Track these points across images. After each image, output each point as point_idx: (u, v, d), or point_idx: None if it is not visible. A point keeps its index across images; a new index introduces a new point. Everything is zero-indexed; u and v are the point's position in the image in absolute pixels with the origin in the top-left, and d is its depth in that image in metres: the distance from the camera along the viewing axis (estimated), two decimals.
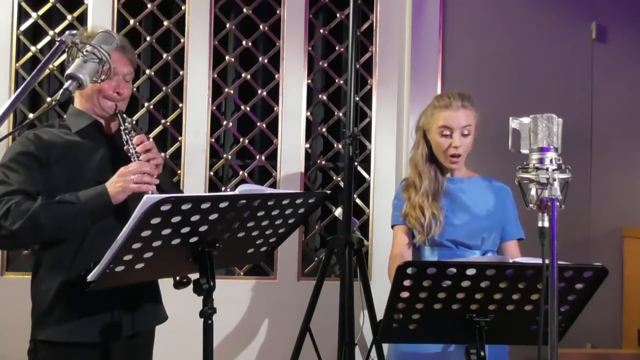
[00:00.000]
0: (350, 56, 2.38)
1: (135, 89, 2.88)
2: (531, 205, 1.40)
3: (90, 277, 1.48)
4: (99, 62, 1.44)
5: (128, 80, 1.90)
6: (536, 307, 1.57)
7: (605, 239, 2.99)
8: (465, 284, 1.51)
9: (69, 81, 1.39)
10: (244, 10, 3.05)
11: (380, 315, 1.68)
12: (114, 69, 1.80)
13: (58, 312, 1.77)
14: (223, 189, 3.02)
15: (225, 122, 3.04)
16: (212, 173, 3.00)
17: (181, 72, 3.00)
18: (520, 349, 1.81)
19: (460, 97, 2.07)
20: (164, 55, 3.00)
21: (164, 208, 1.37)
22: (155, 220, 1.39)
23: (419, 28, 2.97)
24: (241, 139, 3.04)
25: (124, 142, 1.80)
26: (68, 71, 1.39)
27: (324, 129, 3.08)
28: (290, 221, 1.71)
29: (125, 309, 1.83)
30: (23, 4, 2.94)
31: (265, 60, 3.05)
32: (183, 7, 3.01)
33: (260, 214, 1.58)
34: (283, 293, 2.96)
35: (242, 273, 3.01)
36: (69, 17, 2.96)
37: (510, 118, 1.53)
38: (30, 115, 2.92)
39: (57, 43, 1.38)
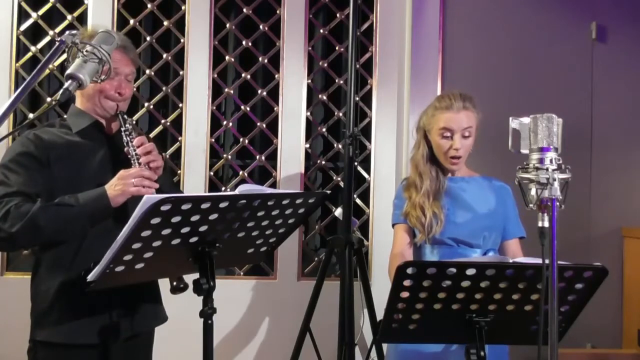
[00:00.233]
0: (350, 56, 2.38)
1: (135, 89, 2.87)
2: (531, 205, 1.40)
3: (90, 277, 1.48)
4: (99, 62, 1.43)
5: (130, 80, 1.89)
6: (536, 307, 1.57)
7: (605, 239, 2.99)
8: (465, 284, 1.51)
9: (69, 81, 1.38)
10: (244, 10, 3.05)
11: (380, 315, 1.68)
12: (115, 69, 1.79)
13: (57, 313, 1.77)
14: (223, 189, 3.02)
15: (225, 122, 3.04)
16: (212, 173, 3.00)
17: (181, 72, 3.00)
18: (520, 349, 1.81)
19: (461, 99, 2.06)
20: (164, 55, 3.00)
21: (164, 208, 1.37)
22: (155, 220, 1.39)
23: (419, 28, 2.97)
24: (241, 139, 3.04)
25: (125, 144, 1.79)
26: (68, 71, 1.39)
27: (324, 129, 3.08)
28: (290, 221, 1.71)
29: (125, 310, 1.83)
30: (23, 4, 2.94)
31: (265, 60, 3.05)
32: (183, 7, 3.01)
33: (260, 214, 1.58)
34: (283, 293, 2.96)
35: (242, 273, 3.01)
36: (69, 17, 2.96)
37: (510, 118, 1.53)
38: (30, 115, 2.92)
39: (57, 43, 1.38)
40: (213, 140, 3.01)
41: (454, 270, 1.49)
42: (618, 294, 2.97)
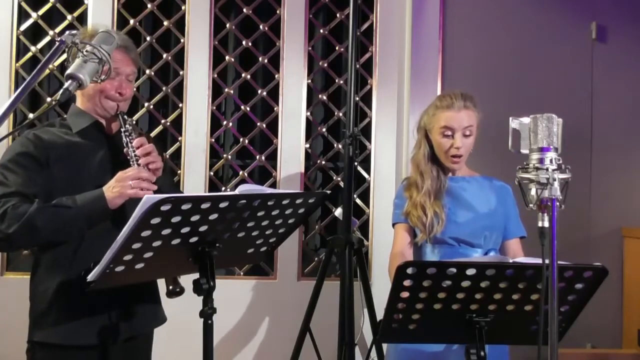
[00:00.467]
0: (350, 56, 2.38)
1: (135, 89, 2.87)
2: (531, 205, 1.40)
3: (90, 277, 1.48)
4: (99, 62, 1.43)
5: (131, 81, 1.88)
6: (536, 307, 1.57)
7: (605, 239, 2.99)
8: (465, 284, 1.51)
9: (69, 81, 1.38)
10: (244, 10, 3.05)
11: (380, 315, 1.68)
12: (116, 69, 1.79)
13: (55, 314, 1.77)
14: (223, 189, 3.02)
15: (225, 122, 3.04)
16: (212, 173, 3.00)
17: (181, 72, 3.00)
18: (520, 349, 1.81)
19: (462, 98, 2.07)
20: (164, 55, 3.00)
21: (164, 208, 1.37)
22: (155, 220, 1.39)
23: (419, 28, 2.97)
24: (241, 139, 3.04)
25: (124, 145, 1.78)
26: (68, 71, 1.39)
27: (324, 129, 3.08)
28: (290, 221, 1.70)
29: (124, 311, 1.82)
30: (23, 4, 2.94)
31: (265, 60, 3.05)
32: (183, 7, 3.01)
33: (260, 214, 1.58)
34: (283, 293, 2.96)
35: (242, 273, 3.01)
36: (69, 17, 2.96)
37: (510, 118, 1.53)
38: (30, 115, 2.92)
39: (57, 43, 1.37)
40: (213, 140, 3.01)
41: (454, 270, 1.49)
42: (618, 294, 2.97)
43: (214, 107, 3.02)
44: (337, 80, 3.09)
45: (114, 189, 1.70)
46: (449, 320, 1.60)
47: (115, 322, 1.81)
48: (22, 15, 2.95)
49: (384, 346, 2.27)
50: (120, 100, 1.84)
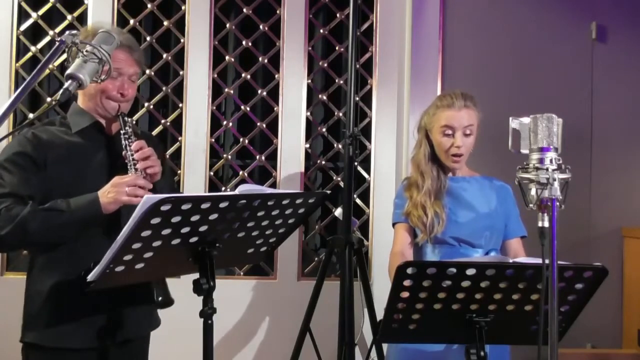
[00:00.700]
0: (350, 56, 2.38)
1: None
2: (531, 205, 1.40)
3: (90, 277, 1.48)
4: (99, 62, 1.43)
5: (134, 81, 1.86)
6: (536, 307, 1.57)
7: (605, 239, 2.99)
8: (465, 284, 1.51)
9: (69, 81, 1.38)
10: (244, 10, 3.05)
11: (380, 315, 1.68)
12: (119, 69, 1.78)
13: (46, 316, 1.75)
14: (223, 189, 3.02)
15: (225, 122, 3.04)
16: (212, 173, 3.00)
17: (181, 72, 3.00)
18: (520, 349, 1.81)
19: (462, 97, 2.07)
20: (164, 55, 3.00)
21: (164, 208, 1.37)
22: (155, 220, 1.39)
23: (419, 28, 2.97)
24: (241, 139, 3.04)
25: (123, 147, 1.76)
26: (68, 71, 1.39)
27: (324, 129, 3.08)
28: (290, 221, 1.70)
29: (118, 314, 1.80)
30: (23, 4, 2.94)
31: (265, 60, 3.05)
32: (183, 7, 3.01)
33: (260, 214, 1.58)
34: (283, 293, 2.96)
35: (242, 273, 3.01)
36: (69, 17, 2.96)
37: (510, 118, 1.53)
38: (30, 115, 2.92)
39: (57, 43, 1.37)
40: (213, 140, 3.01)
41: (454, 270, 1.49)
42: (618, 294, 2.97)
43: (214, 107, 3.02)
44: (337, 80, 3.09)
45: (108, 195, 1.68)
46: (449, 320, 1.60)
47: (108, 326, 1.79)
48: (22, 15, 2.95)
49: (384, 346, 2.27)
50: (122, 101, 1.82)
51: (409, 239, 2.11)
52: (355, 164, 2.60)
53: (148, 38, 3.00)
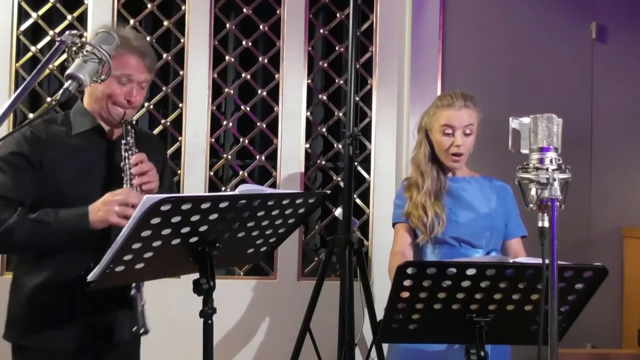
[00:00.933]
0: (350, 56, 2.38)
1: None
2: (531, 205, 1.40)
3: (90, 277, 1.47)
4: (99, 62, 1.43)
5: (143, 88, 1.81)
6: (536, 307, 1.57)
7: (605, 239, 2.99)
8: (466, 284, 1.51)
9: (69, 81, 1.38)
10: (244, 10, 3.05)
11: (380, 315, 1.68)
12: (129, 76, 1.73)
13: (30, 316, 1.74)
14: (223, 189, 3.02)
15: (225, 122, 3.04)
16: (212, 173, 3.00)
17: (181, 72, 3.00)
18: (520, 349, 1.81)
19: (462, 97, 2.08)
20: (164, 55, 3.00)
21: (164, 208, 1.37)
22: (155, 220, 1.39)
23: (419, 28, 2.97)
24: (241, 139, 3.04)
25: (122, 159, 1.72)
26: (68, 71, 1.39)
27: (324, 129, 3.08)
28: (290, 221, 1.70)
29: (100, 318, 1.77)
30: (23, 4, 2.94)
31: (265, 60, 3.05)
32: (183, 7, 3.01)
33: (260, 214, 1.58)
34: (283, 293, 2.96)
35: (242, 273, 3.01)
36: (69, 17, 2.96)
37: (510, 118, 1.53)
38: (30, 115, 2.92)
39: (57, 43, 1.37)
40: (213, 140, 3.01)
41: (454, 270, 1.49)
42: (618, 294, 2.97)
43: (214, 107, 3.02)
44: (337, 80, 3.09)
45: (98, 212, 1.64)
46: (449, 320, 1.60)
47: (91, 328, 1.76)
48: (22, 15, 2.95)
49: (384, 346, 2.27)
50: (128, 108, 1.77)
51: (409, 240, 2.12)
52: (355, 164, 2.60)
53: (148, 38, 3.00)
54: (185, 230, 1.46)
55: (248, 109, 3.04)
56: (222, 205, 1.45)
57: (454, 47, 2.97)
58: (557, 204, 1.38)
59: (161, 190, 1.81)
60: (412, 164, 2.19)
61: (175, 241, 1.49)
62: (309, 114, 3.06)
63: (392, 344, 2.17)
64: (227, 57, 3.04)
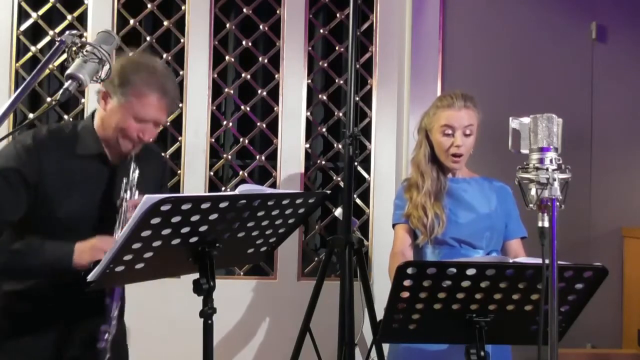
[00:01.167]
0: (350, 56, 2.38)
1: None
2: (531, 205, 1.40)
3: (90, 277, 1.47)
4: (99, 62, 1.43)
5: (158, 127, 1.78)
6: (536, 307, 1.57)
7: (605, 239, 2.99)
8: (466, 284, 1.51)
9: (69, 81, 1.38)
10: (244, 10, 3.05)
11: (380, 315, 1.68)
12: (145, 114, 1.70)
13: (6, 324, 1.73)
14: (223, 189, 3.02)
15: (225, 122, 3.04)
16: (212, 173, 3.00)
17: (181, 72, 3.00)
18: (520, 348, 1.81)
19: (462, 97, 2.07)
20: (164, 55, 3.00)
21: (164, 208, 1.37)
22: (155, 220, 1.39)
23: (419, 28, 2.97)
24: (241, 139, 3.04)
25: (120, 196, 1.70)
26: (68, 71, 1.39)
27: (324, 129, 3.08)
28: (290, 221, 1.70)
29: (70, 330, 1.76)
30: (23, 4, 2.94)
31: (265, 60, 3.05)
32: (183, 7, 3.01)
33: (260, 214, 1.58)
34: (283, 293, 2.96)
35: (242, 273, 3.01)
36: (69, 17, 2.96)
37: (510, 118, 1.53)
38: (30, 115, 2.92)
39: (57, 43, 1.37)
40: (213, 140, 3.01)
41: (454, 270, 1.49)
42: (618, 294, 2.97)
43: (214, 107, 3.02)
44: (337, 80, 3.09)
45: (83, 255, 1.62)
46: (449, 320, 1.60)
47: (69, 337, 1.75)
48: (22, 15, 2.95)
49: (384, 346, 2.27)
50: (138, 143, 1.75)
51: (409, 240, 2.11)
52: (355, 164, 2.60)
53: (148, 38, 3.00)
54: (185, 230, 1.46)
55: (248, 109, 3.04)
56: (222, 205, 1.45)
57: (454, 47, 2.97)
58: (557, 204, 1.38)
59: None
60: (412, 165, 2.19)
61: (175, 241, 1.49)
62: (309, 114, 3.06)
63: (392, 344, 2.17)
64: (227, 57, 3.04)
